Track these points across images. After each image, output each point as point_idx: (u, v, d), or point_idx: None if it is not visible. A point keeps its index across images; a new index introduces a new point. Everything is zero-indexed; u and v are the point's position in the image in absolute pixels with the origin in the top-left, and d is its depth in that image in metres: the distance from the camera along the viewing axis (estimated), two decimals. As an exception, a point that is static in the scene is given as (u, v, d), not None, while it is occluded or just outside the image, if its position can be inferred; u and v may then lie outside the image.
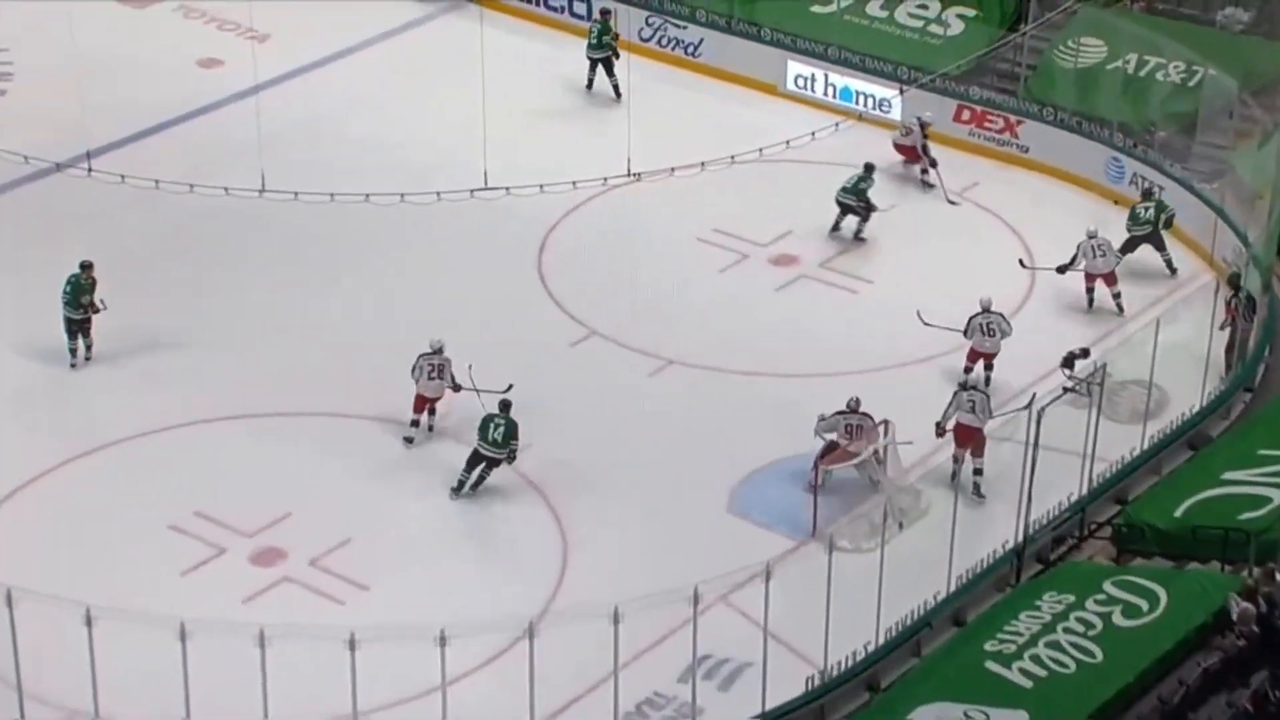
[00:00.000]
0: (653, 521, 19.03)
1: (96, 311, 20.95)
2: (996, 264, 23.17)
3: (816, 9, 27.35)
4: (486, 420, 18.96)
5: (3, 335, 21.57)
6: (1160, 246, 22.86)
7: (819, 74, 26.75)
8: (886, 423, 19.01)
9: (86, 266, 21.04)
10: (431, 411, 19.88)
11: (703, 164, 24.44)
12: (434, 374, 19.65)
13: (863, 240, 23.44)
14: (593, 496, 19.29)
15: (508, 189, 23.92)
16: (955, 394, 19.20)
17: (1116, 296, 22.23)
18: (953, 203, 24.44)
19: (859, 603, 16.55)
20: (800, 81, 26.83)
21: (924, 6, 27.00)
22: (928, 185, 24.73)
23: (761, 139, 24.88)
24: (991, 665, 15.94)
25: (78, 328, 20.94)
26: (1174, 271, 22.90)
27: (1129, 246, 22.74)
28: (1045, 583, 17.19)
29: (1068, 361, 19.33)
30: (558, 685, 16.16)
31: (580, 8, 28.39)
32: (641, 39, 27.80)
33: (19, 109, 25.95)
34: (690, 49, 27.73)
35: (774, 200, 24.25)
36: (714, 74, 27.45)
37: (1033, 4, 26.04)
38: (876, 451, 18.82)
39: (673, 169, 24.44)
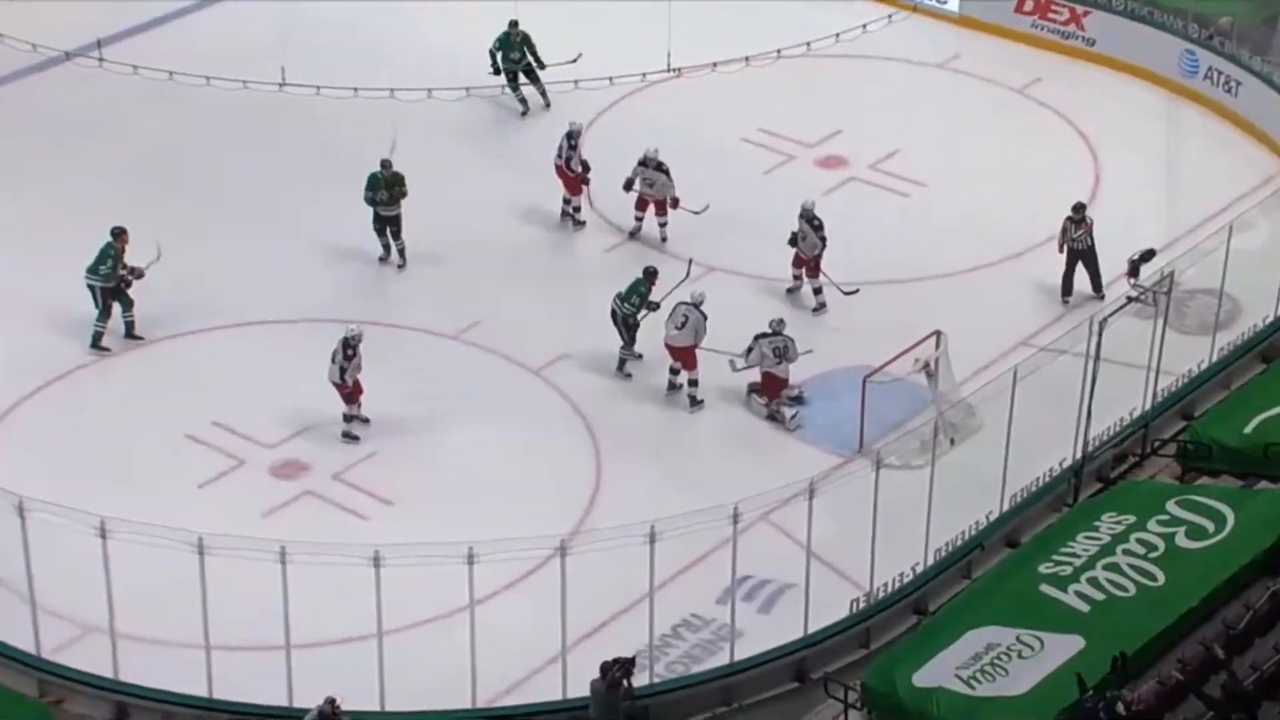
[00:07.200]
0: (690, 440, 18.65)
1: (128, 283, 19.20)
2: (1057, 165, 22.73)
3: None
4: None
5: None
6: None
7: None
8: (939, 334, 18.50)
9: (118, 234, 19.23)
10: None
11: (747, 59, 24.05)
12: (649, 184, 21.09)
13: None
14: (627, 416, 18.90)
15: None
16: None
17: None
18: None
19: (907, 523, 16.18)
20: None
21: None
22: (577, 224, 21.36)
23: (810, 34, 24.59)
24: (1046, 588, 15.49)
25: (112, 297, 19.11)
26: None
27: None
28: (1105, 502, 16.75)
29: (1133, 269, 18.42)
30: (590, 607, 15.82)
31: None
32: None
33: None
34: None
35: (823, 99, 23.82)
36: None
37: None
38: (927, 364, 18.39)
39: (715, 64, 24.04)
